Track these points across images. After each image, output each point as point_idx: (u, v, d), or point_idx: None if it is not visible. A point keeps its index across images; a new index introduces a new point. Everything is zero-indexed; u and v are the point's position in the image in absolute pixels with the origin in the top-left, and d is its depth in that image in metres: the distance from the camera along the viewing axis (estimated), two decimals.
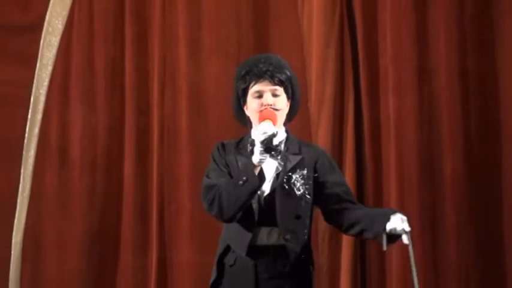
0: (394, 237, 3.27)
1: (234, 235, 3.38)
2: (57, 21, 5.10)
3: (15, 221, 5.01)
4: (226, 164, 3.45)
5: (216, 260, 3.41)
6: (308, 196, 3.38)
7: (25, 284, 5.03)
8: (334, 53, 4.68)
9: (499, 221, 4.54)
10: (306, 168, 3.40)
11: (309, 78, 4.73)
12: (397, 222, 3.24)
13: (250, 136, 3.43)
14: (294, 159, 3.41)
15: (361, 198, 4.52)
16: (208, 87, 4.90)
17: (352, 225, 3.45)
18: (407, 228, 3.25)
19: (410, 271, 3.37)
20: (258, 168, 3.27)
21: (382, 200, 4.59)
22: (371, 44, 4.69)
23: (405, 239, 3.22)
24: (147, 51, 5.01)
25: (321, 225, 4.68)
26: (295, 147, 3.44)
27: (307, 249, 3.39)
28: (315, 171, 3.44)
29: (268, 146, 3.24)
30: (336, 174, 3.55)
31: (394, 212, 3.30)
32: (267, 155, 3.24)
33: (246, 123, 3.47)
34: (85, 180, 5.01)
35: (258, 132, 3.24)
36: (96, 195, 5.01)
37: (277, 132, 3.26)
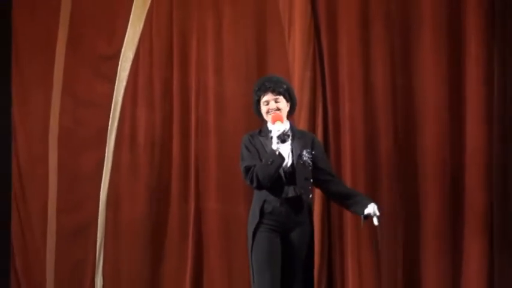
0: (367, 217, 4.06)
1: (269, 193, 4.10)
2: (129, 52, 5.87)
3: (102, 183, 5.85)
4: (256, 149, 4.13)
5: (257, 210, 4.09)
6: (311, 165, 4.16)
7: (108, 226, 5.84)
8: (309, 74, 5.45)
9: (415, 181, 5.34)
10: (308, 147, 4.16)
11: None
12: (373, 209, 4.06)
13: (267, 127, 4.14)
14: (300, 141, 4.16)
15: None
16: (227, 95, 5.66)
17: (334, 197, 4.29)
18: (378, 213, 4.05)
19: (377, 241, 4.42)
20: (278, 152, 4.00)
21: (341, 168, 5.39)
22: (333, 68, 5.48)
23: (376, 221, 4.05)
24: (188, 73, 5.78)
25: None
26: (298, 133, 4.20)
27: (310, 202, 4.21)
28: (312, 149, 4.18)
29: (282, 138, 4.02)
30: (324, 154, 4.32)
31: (370, 201, 4.09)
32: (281, 144, 4.02)
33: (262, 118, 4.22)
34: (147, 155, 5.81)
35: (275, 130, 4.02)
36: (154, 165, 5.79)
37: (287, 128, 4.07)
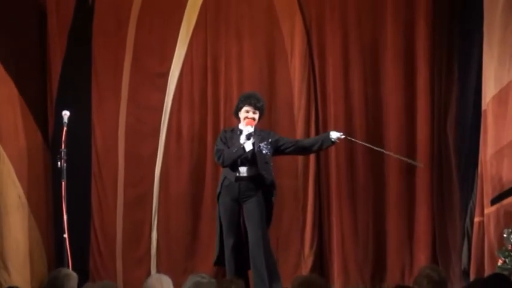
0: (333, 142, 5.09)
1: (229, 172, 5.14)
2: (176, 71, 6.77)
3: (156, 165, 6.78)
4: (226, 139, 5.15)
5: (220, 183, 5.08)
6: (269, 153, 5.19)
7: (161, 197, 6.71)
8: (306, 85, 6.56)
9: (381, 163, 6.46)
10: (265, 141, 5.20)
11: (294, 97, 6.58)
12: (335, 134, 5.19)
13: (238, 127, 5.12)
14: (259, 137, 5.18)
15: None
16: None
17: (310, 148, 5.29)
18: (340, 134, 5.16)
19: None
20: (242, 146, 4.99)
21: (327, 154, 6.40)
22: (322, 81, 6.60)
23: (340, 136, 5.11)
24: (218, 86, 6.75)
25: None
26: (258, 132, 5.18)
27: (272, 178, 5.19)
28: (270, 141, 5.23)
29: (248, 137, 5.03)
30: (281, 136, 5.34)
31: (329, 132, 5.20)
32: (246, 140, 5.04)
33: (238, 119, 5.19)
34: (189, 144, 6.75)
35: (245, 130, 5.03)
36: (194, 152, 6.74)
37: (253, 131, 5.06)
